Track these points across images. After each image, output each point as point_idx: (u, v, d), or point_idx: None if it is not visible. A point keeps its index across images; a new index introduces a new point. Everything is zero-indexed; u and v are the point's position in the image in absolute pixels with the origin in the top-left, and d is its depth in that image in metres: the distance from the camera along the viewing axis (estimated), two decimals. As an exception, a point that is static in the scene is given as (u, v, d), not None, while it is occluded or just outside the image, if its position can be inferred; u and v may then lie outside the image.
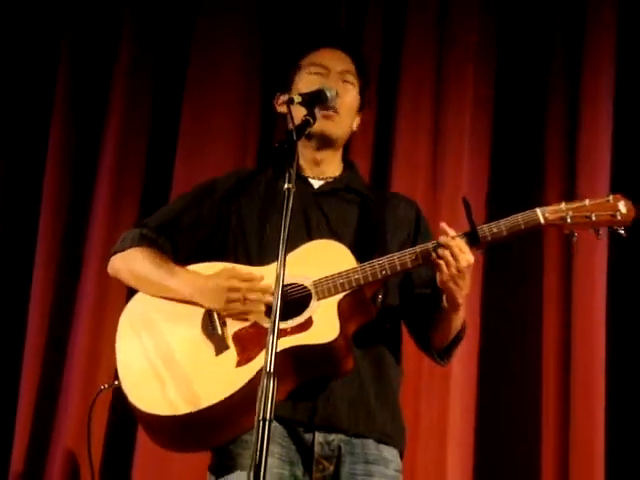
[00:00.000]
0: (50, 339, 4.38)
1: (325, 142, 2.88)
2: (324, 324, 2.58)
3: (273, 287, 2.30)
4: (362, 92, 2.97)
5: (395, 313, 2.84)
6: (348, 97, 2.90)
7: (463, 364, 4.08)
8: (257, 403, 2.16)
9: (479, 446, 4.10)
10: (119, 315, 2.74)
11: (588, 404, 3.96)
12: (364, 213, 2.87)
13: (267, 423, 2.14)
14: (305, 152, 2.88)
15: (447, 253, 2.59)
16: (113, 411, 4.21)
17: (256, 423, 2.14)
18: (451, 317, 2.72)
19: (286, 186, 2.39)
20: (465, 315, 2.78)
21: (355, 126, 2.99)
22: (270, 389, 2.17)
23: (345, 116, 2.89)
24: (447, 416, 4.07)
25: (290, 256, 2.57)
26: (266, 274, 2.63)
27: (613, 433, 3.95)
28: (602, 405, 3.95)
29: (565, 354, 4.06)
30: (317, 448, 2.64)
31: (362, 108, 3.00)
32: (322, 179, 2.92)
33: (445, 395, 4.08)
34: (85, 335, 4.33)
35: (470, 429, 4.10)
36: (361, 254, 2.70)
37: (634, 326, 4.04)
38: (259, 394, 2.16)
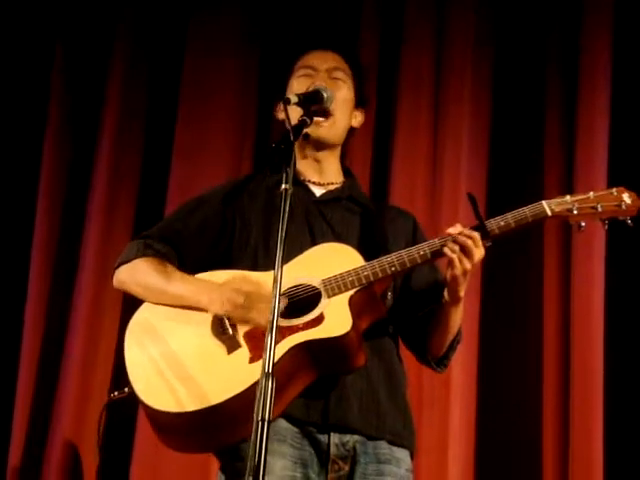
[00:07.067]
0: (45, 345, 4.37)
1: (321, 145, 2.88)
2: (336, 318, 2.58)
3: (283, 291, 2.28)
4: (357, 88, 2.95)
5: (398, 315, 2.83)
6: (339, 93, 2.87)
7: (463, 370, 4.08)
8: (255, 403, 2.14)
9: (480, 453, 4.09)
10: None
11: (587, 406, 3.98)
12: (366, 223, 2.87)
13: (266, 424, 2.11)
14: (304, 155, 2.87)
15: (461, 246, 2.60)
16: (110, 418, 4.20)
17: (254, 424, 2.12)
18: (451, 312, 2.72)
19: (283, 186, 2.38)
20: (461, 320, 2.77)
21: (356, 123, 2.97)
22: (269, 390, 2.15)
23: (339, 114, 2.86)
24: (448, 423, 4.06)
25: (297, 260, 2.65)
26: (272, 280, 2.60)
27: (612, 439, 3.96)
28: (600, 404, 3.96)
29: (565, 355, 4.07)
30: (333, 449, 2.62)
31: (363, 104, 2.99)
32: (323, 186, 2.90)
33: (445, 402, 4.08)
34: (80, 343, 4.29)
35: (471, 436, 4.10)
36: (366, 261, 2.68)
37: (632, 319, 4.06)
38: (257, 395, 2.14)
